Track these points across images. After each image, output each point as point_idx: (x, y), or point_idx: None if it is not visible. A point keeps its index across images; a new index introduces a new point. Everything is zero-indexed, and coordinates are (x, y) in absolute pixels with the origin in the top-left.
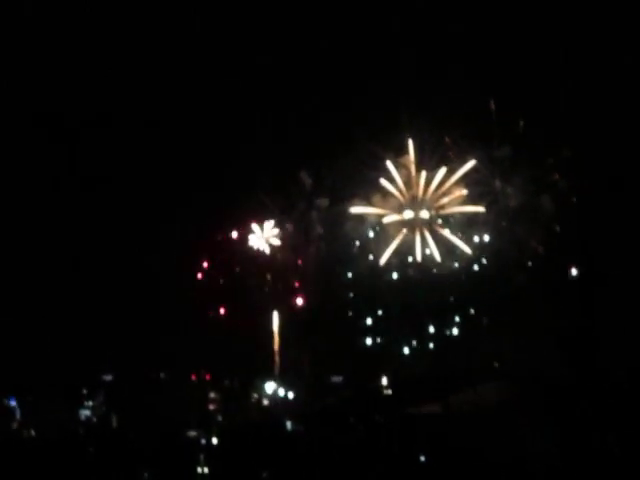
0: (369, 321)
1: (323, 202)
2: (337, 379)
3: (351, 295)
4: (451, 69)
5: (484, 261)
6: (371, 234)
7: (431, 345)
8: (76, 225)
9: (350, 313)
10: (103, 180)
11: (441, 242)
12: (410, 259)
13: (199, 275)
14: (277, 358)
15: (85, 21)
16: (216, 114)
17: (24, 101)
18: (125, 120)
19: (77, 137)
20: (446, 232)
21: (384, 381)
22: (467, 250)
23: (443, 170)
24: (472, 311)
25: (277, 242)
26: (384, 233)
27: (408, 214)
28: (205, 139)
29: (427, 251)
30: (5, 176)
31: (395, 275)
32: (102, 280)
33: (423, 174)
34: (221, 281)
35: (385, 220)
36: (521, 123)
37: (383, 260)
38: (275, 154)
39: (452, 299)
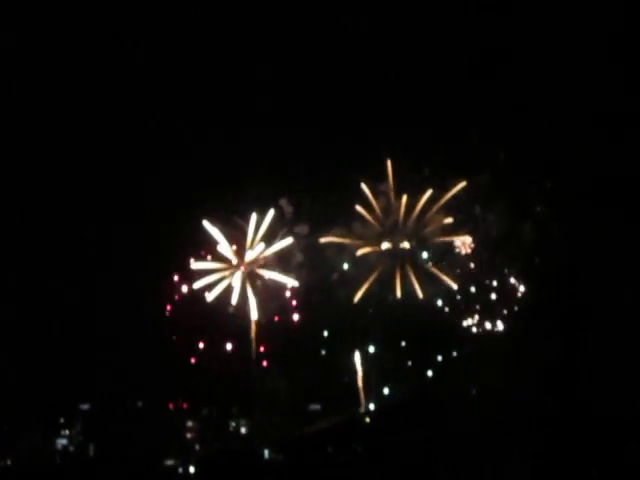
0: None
1: (303, 229)
2: (315, 407)
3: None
4: (431, 98)
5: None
6: (345, 266)
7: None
8: (55, 253)
9: (324, 348)
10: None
11: (422, 273)
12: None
13: (169, 307)
14: (255, 386)
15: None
16: (200, 139)
17: None
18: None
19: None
20: (428, 265)
21: (362, 409)
22: (452, 284)
23: (427, 194)
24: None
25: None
26: (363, 263)
27: (386, 245)
28: (187, 165)
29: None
30: None
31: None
32: (79, 309)
33: (404, 199)
34: (197, 309)
35: (359, 252)
36: (501, 155)
37: (358, 296)
38: (257, 182)
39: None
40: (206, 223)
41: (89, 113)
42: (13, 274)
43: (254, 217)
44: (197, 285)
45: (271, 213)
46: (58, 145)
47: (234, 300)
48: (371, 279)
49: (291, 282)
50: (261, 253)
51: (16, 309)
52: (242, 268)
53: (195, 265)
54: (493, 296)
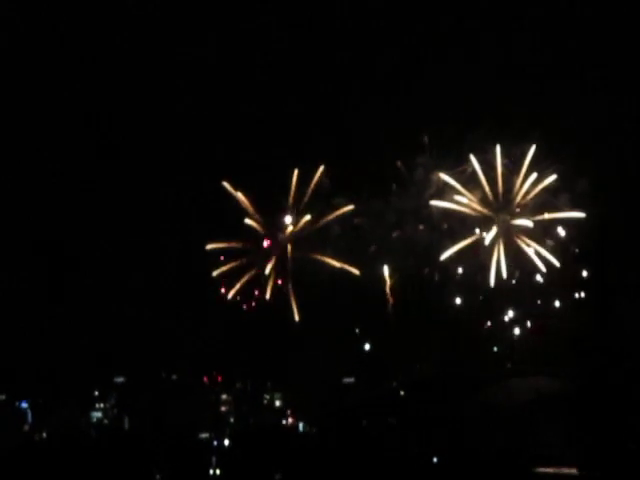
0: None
1: (340, 202)
2: (349, 380)
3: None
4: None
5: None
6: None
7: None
8: (92, 227)
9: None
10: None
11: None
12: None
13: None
14: (290, 360)
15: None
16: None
17: None
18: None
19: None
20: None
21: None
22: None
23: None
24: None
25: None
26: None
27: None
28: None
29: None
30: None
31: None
32: (115, 283)
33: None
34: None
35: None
36: None
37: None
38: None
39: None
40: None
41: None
42: (44, 245)
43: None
44: None
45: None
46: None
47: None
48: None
49: None
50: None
51: (50, 282)
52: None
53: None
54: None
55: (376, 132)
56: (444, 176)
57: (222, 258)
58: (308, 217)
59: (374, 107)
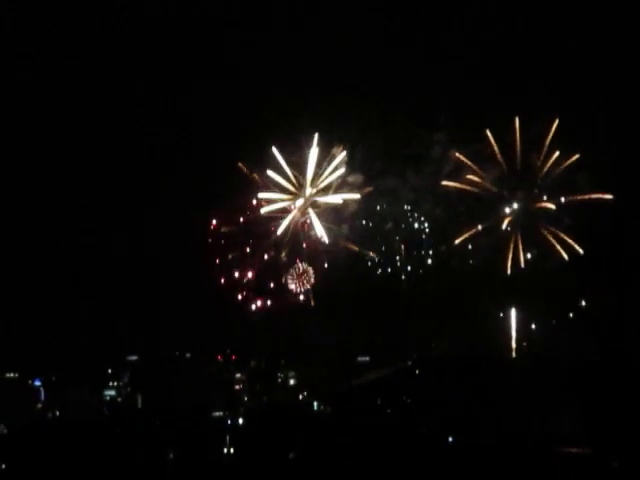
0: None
1: (356, 179)
2: (364, 359)
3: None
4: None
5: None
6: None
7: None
8: (101, 212)
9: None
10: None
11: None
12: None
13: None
14: (304, 338)
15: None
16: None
17: None
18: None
19: None
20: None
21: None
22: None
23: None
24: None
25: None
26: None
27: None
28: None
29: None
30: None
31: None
32: (128, 261)
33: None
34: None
35: None
36: None
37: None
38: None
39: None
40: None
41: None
42: (50, 228)
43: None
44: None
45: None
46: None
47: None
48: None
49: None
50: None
51: (63, 263)
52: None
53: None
54: None
55: (391, 108)
56: (459, 155)
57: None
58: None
59: (389, 83)
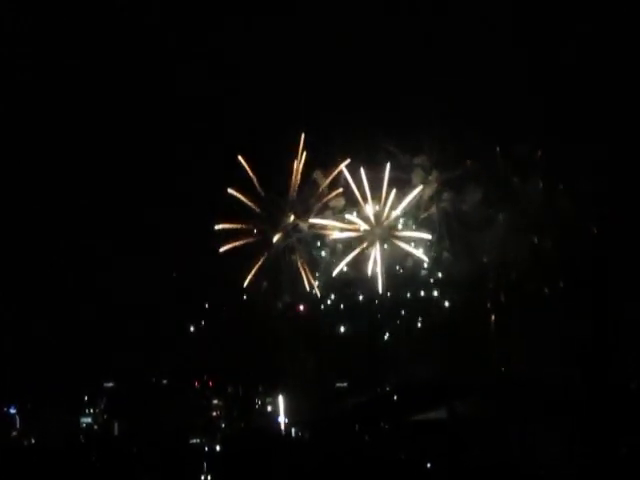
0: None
1: (338, 202)
2: (342, 385)
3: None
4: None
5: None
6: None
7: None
8: (77, 230)
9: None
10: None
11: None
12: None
13: None
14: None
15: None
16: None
17: None
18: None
19: None
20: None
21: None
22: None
23: None
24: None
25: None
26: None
27: None
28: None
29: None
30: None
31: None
32: (102, 285)
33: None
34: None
35: None
36: None
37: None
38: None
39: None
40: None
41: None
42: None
43: None
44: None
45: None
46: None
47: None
48: None
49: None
50: None
51: (38, 287)
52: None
53: None
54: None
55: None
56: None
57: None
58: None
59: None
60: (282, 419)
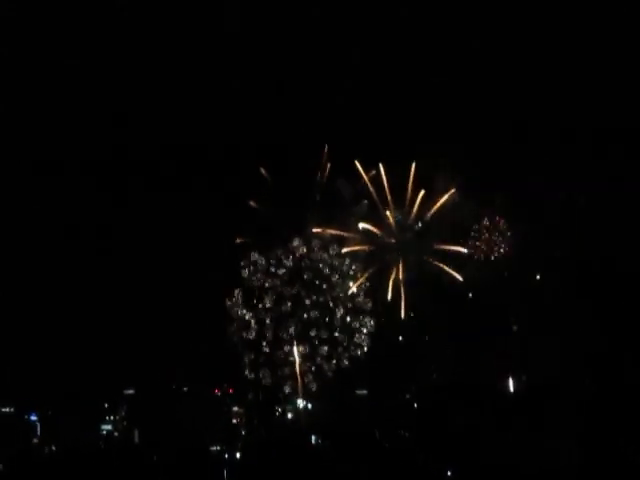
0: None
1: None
2: (362, 392)
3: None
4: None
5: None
6: None
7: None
8: (100, 235)
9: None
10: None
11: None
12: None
13: None
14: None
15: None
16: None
17: None
18: None
19: None
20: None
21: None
22: None
23: None
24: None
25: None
26: None
27: None
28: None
29: None
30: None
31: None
32: (124, 293)
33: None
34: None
35: None
36: None
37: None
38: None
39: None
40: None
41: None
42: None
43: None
44: None
45: None
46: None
47: None
48: None
49: None
50: None
51: (59, 292)
52: None
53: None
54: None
55: None
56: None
57: None
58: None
59: None
60: (302, 427)
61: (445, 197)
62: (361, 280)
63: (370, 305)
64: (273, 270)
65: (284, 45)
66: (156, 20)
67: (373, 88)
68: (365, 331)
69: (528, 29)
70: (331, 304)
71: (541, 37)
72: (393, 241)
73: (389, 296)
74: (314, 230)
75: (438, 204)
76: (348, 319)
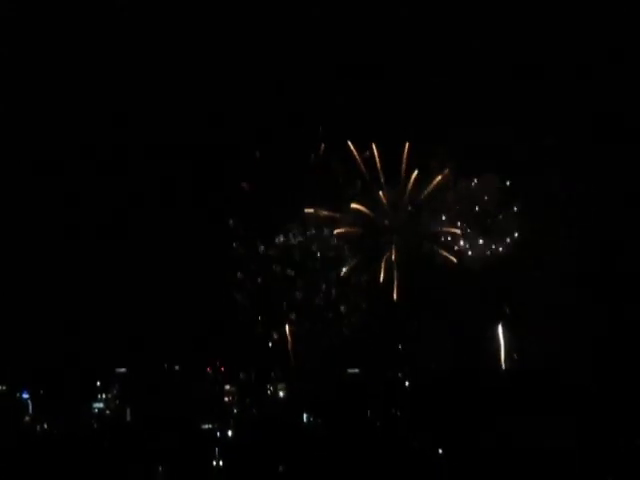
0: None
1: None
2: (353, 371)
3: None
4: None
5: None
6: None
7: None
8: (93, 216)
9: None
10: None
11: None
12: None
13: None
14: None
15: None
16: None
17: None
18: None
19: None
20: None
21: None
22: None
23: None
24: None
25: None
26: None
27: None
28: None
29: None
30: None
31: None
32: (116, 271)
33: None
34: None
35: None
36: None
37: None
38: None
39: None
40: None
41: None
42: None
43: None
44: None
45: None
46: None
47: None
48: None
49: None
50: None
51: (53, 272)
52: None
53: None
54: None
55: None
56: None
57: None
58: None
59: None
60: (294, 405)
61: (439, 177)
62: (354, 261)
63: (363, 285)
64: (264, 250)
65: (284, 45)
66: (156, 20)
67: (373, 88)
68: (357, 311)
69: (528, 29)
70: (323, 285)
71: (541, 37)
72: (386, 222)
73: (382, 277)
74: (306, 211)
75: (433, 184)
76: (340, 299)
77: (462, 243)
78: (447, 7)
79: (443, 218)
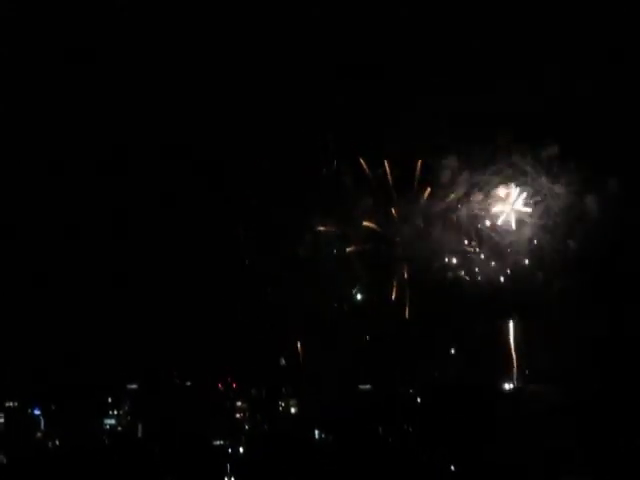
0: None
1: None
2: (365, 387)
3: None
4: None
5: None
6: None
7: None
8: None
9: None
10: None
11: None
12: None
13: None
14: (304, 366)
15: None
16: None
17: None
18: None
19: None
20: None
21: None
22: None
23: None
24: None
25: None
26: None
27: None
28: None
29: None
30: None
31: None
32: (127, 285)
33: None
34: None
35: None
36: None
37: None
38: None
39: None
40: None
41: None
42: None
43: None
44: None
45: None
46: None
47: None
48: None
49: None
50: None
51: (64, 287)
52: None
53: None
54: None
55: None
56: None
57: None
58: None
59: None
60: (306, 422)
61: (452, 195)
62: (365, 279)
63: (375, 302)
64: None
65: (284, 45)
66: (156, 20)
67: (373, 88)
68: (369, 328)
69: (528, 29)
70: (335, 302)
71: (541, 37)
72: (398, 239)
73: (393, 295)
74: (319, 228)
75: (445, 201)
76: (351, 316)
77: (474, 260)
78: (447, 7)
79: (455, 234)
